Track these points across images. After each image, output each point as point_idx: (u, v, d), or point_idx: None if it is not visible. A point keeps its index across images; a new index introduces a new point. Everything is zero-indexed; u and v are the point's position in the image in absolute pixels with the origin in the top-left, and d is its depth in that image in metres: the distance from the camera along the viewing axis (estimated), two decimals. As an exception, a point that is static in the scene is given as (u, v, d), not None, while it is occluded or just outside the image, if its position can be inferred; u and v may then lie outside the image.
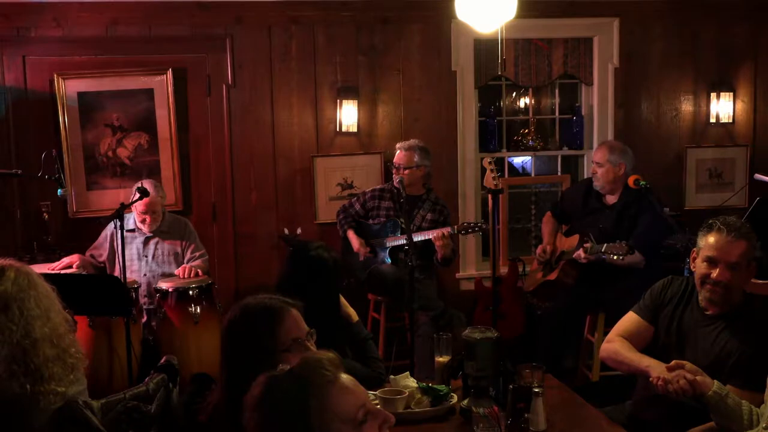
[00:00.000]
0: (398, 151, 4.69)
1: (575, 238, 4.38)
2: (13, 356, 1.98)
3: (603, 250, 4.02)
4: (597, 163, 4.42)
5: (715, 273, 2.60)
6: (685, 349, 2.70)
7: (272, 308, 2.02)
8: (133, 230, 4.50)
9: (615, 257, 3.97)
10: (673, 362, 2.47)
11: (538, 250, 4.64)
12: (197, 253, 4.53)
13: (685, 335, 2.72)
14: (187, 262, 4.47)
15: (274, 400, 1.46)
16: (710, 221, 2.69)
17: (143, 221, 4.44)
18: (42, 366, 2.01)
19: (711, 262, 2.62)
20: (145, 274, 4.45)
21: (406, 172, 4.60)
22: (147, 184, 4.35)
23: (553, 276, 4.48)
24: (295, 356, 1.97)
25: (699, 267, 2.67)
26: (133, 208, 4.39)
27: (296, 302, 2.08)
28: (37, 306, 2.05)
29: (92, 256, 4.54)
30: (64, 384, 2.05)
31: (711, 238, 2.64)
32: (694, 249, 2.73)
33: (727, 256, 2.59)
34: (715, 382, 2.38)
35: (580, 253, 4.20)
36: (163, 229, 4.52)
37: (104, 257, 4.49)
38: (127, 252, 4.44)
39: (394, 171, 4.67)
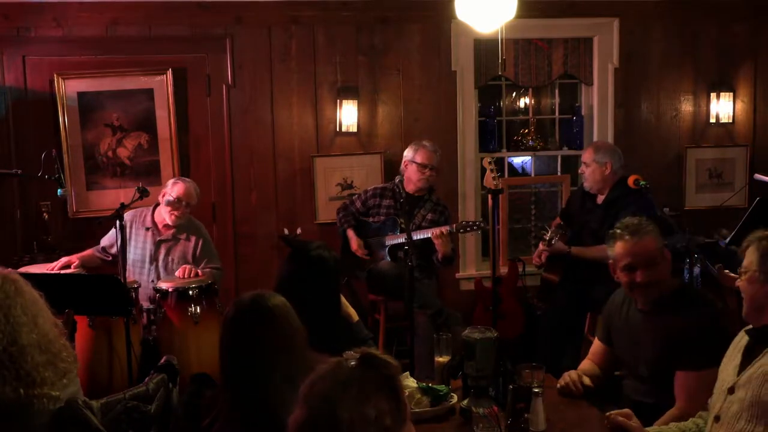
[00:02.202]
0: (427, 151, 4.61)
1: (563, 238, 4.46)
2: (1, 362, 1.98)
3: (549, 235, 4.28)
4: (584, 164, 4.51)
5: (638, 277, 2.69)
6: (637, 349, 2.79)
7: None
8: (149, 228, 4.44)
9: (556, 238, 4.25)
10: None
11: (534, 256, 4.66)
12: (210, 266, 4.44)
13: (634, 337, 2.81)
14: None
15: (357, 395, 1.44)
16: (611, 231, 2.81)
17: (172, 210, 4.31)
18: (33, 371, 2.01)
19: (628, 269, 2.72)
20: (152, 280, 4.37)
21: (434, 172, 4.63)
22: (185, 180, 4.45)
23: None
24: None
25: (621, 276, 2.76)
26: (162, 198, 4.36)
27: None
28: (23, 313, 2.05)
29: (104, 248, 4.48)
30: (57, 388, 2.05)
31: (618, 247, 2.74)
32: (611, 261, 2.82)
33: (639, 258, 2.69)
34: (649, 429, 2.40)
35: (540, 245, 4.39)
36: (180, 233, 4.44)
37: (116, 249, 4.43)
38: (139, 251, 4.44)
39: (419, 169, 4.58)
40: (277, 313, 2.11)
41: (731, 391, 2.17)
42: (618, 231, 2.75)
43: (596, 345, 3.03)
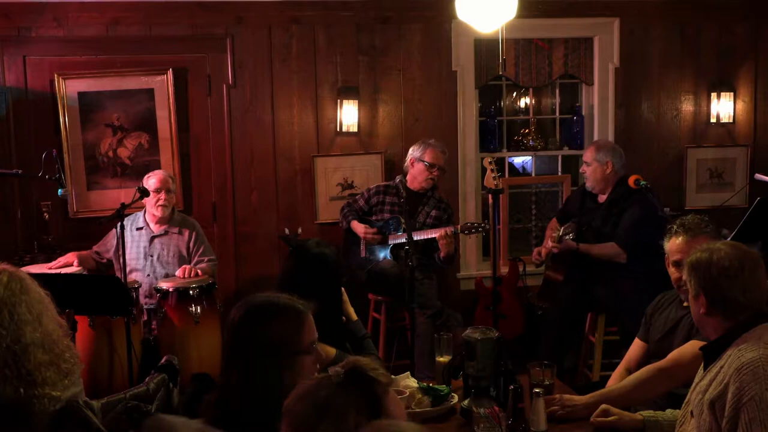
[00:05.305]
0: (436, 150, 4.64)
1: None
2: (4, 361, 1.96)
3: (561, 233, 4.23)
4: (585, 163, 4.51)
5: (684, 275, 2.64)
6: (670, 341, 2.77)
7: (297, 309, 2.03)
8: (141, 228, 4.51)
9: (569, 236, 4.21)
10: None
11: (534, 253, 4.66)
12: (205, 258, 4.50)
13: (670, 330, 2.81)
14: (195, 266, 4.44)
15: (335, 408, 1.43)
16: (670, 226, 2.78)
17: (157, 201, 4.41)
18: (34, 371, 1.99)
19: (677, 265, 2.69)
20: (148, 275, 4.43)
21: (440, 173, 4.66)
22: (155, 171, 4.53)
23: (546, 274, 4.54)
24: (311, 359, 1.99)
25: (671, 273, 2.76)
26: (145, 200, 4.42)
27: (310, 305, 2.08)
28: (28, 311, 2.03)
29: (97, 253, 4.53)
30: (59, 389, 2.04)
31: (670, 243, 2.73)
32: (666, 255, 2.80)
33: (688, 256, 2.64)
34: (643, 412, 2.43)
35: (548, 242, 4.36)
36: (172, 228, 4.51)
37: (111, 254, 4.48)
38: (133, 250, 4.48)
39: (427, 168, 4.61)
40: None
41: (693, 414, 2.15)
42: (675, 227, 2.73)
43: (636, 346, 2.97)
